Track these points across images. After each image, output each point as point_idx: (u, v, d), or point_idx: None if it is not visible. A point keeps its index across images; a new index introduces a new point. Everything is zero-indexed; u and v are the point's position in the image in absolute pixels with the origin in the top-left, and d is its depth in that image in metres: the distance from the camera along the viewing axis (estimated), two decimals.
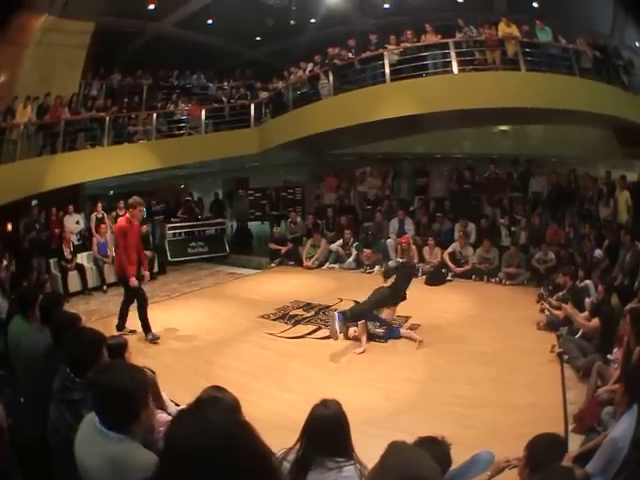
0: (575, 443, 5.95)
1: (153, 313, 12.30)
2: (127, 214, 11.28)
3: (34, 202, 15.25)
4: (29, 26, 16.45)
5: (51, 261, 15.00)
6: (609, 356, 7.67)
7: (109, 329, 6.78)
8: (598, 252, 13.14)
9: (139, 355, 7.80)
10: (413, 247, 15.79)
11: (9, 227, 15.01)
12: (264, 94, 20.52)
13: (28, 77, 17.24)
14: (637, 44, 16.10)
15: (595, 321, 8.72)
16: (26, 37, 16.45)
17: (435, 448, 3.88)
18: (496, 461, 4.57)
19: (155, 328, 10.91)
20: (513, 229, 15.93)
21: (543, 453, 4.26)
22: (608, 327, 8.18)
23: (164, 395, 4.88)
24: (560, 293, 11.46)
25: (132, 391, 3.03)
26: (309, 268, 17.08)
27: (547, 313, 10.94)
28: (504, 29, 15.45)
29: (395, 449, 2.31)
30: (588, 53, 15.20)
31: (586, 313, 9.43)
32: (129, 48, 21.34)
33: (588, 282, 11.36)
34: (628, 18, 15.66)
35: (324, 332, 10.75)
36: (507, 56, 15.28)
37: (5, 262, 12.31)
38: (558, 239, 14.78)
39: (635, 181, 15.06)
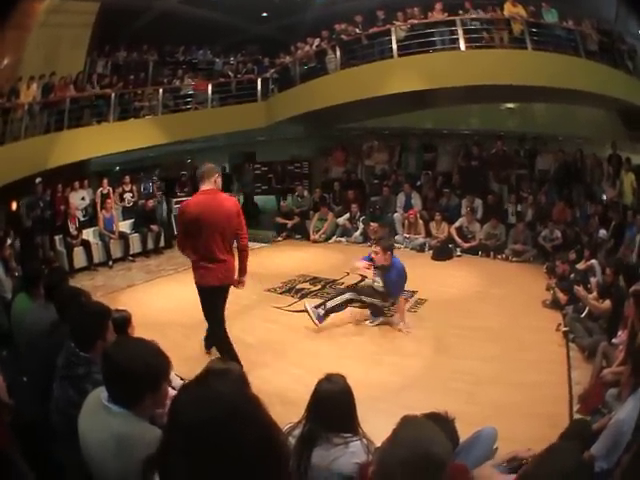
0: None
1: (160, 287, 12.34)
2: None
3: (38, 180, 15.26)
4: (33, 11, 16.39)
5: (56, 238, 15.05)
6: (614, 340, 7.65)
7: (115, 305, 6.79)
8: (603, 232, 13.13)
9: (145, 329, 7.82)
10: (420, 221, 15.90)
11: (14, 206, 15.04)
12: (272, 71, 20.49)
13: (33, 58, 17.11)
14: None
15: (607, 303, 8.70)
16: (30, 21, 16.41)
17: (443, 424, 3.89)
18: (514, 451, 4.57)
19: (162, 303, 10.91)
20: (519, 209, 15.94)
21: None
22: (619, 309, 8.17)
23: None
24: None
25: (138, 374, 2.99)
26: (316, 241, 17.14)
27: (552, 292, 10.91)
28: (510, 9, 15.43)
29: (408, 424, 2.32)
30: (593, 36, 15.18)
31: (594, 294, 9.43)
32: (134, 25, 21.17)
33: (594, 262, 11.33)
34: (629, 10, 15.60)
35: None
36: (513, 35, 15.25)
37: (9, 240, 12.30)
38: (564, 217, 14.77)
39: None
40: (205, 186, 7.63)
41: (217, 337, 8.08)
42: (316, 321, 9.54)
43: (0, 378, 4.97)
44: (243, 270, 8.08)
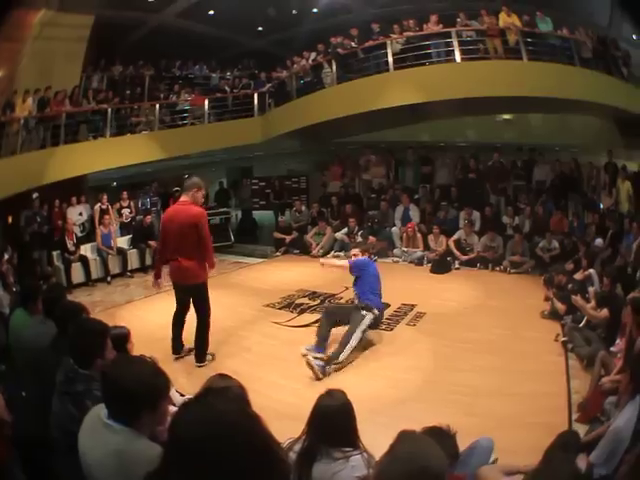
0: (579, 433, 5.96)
1: (158, 303, 12.32)
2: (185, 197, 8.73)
3: (35, 195, 15.28)
4: (26, 22, 16.37)
5: (54, 253, 15.01)
6: (612, 348, 7.67)
7: (113, 321, 6.73)
8: (598, 241, 13.17)
9: (144, 345, 7.80)
10: (418, 234, 15.93)
11: (9, 220, 15.04)
12: (268, 85, 20.52)
13: (28, 71, 17.20)
14: (634, 37, 16.08)
15: (605, 312, 8.72)
16: (23, 33, 16.40)
17: (442, 438, 3.89)
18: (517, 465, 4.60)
19: (160, 318, 10.89)
20: (516, 222, 15.89)
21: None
22: (616, 317, 8.18)
23: None
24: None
25: (136, 393, 2.99)
26: (315, 257, 17.11)
27: (550, 302, 10.91)
28: (505, 19, 15.48)
29: (405, 438, 2.32)
30: (588, 44, 15.22)
31: (593, 303, 9.43)
32: (130, 39, 21.28)
33: (591, 271, 11.36)
34: (623, 13, 15.66)
35: None
36: (508, 45, 15.29)
37: (7, 256, 12.28)
38: (562, 228, 14.81)
39: (636, 171, 15.01)
40: (183, 198, 8.74)
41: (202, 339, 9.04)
42: (319, 374, 8.39)
43: None
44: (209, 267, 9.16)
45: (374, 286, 9.78)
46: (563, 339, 9.22)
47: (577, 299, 9.60)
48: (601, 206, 15.53)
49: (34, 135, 16.61)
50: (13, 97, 16.57)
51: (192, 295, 9.07)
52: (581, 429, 6.12)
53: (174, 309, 9.36)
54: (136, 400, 3.00)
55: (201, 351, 9.05)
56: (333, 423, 3.84)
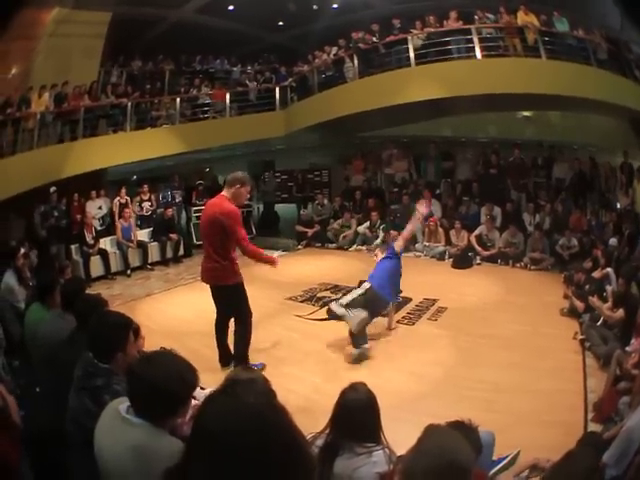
0: None
1: (179, 296, 12.34)
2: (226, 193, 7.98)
3: (53, 189, 15.35)
4: (39, 20, 16.43)
5: (72, 247, 15.11)
6: (627, 348, 7.63)
7: (132, 314, 6.66)
8: (613, 240, 13.12)
9: (164, 338, 7.78)
10: (440, 229, 15.99)
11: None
12: (290, 80, 20.59)
13: (44, 68, 17.37)
14: None
15: (620, 312, 8.69)
16: (36, 31, 16.46)
17: (467, 432, 3.89)
18: (536, 458, 4.59)
19: (181, 311, 10.90)
20: (537, 220, 15.81)
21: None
22: (632, 317, 8.15)
23: None
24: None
25: (175, 391, 2.99)
26: (340, 248, 17.47)
27: (569, 300, 10.89)
28: (523, 17, 15.49)
29: (432, 432, 2.33)
30: (603, 45, 15.19)
31: (609, 303, 9.40)
32: (149, 35, 21.32)
33: (609, 270, 11.29)
34: (632, 22, 15.63)
35: None
36: (527, 44, 15.28)
37: (23, 250, 12.26)
38: (581, 226, 14.77)
39: None
40: (224, 192, 7.95)
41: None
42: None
43: (11, 398, 4.94)
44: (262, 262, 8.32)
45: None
46: (581, 337, 9.21)
47: (594, 300, 9.62)
48: (618, 205, 15.49)
49: (51, 130, 16.71)
50: (28, 93, 16.67)
51: (224, 296, 8.14)
52: (596, 429, 6.11)
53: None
54: (175, 397, 3.00)
55: (237, 355, 8.09)
56: (358, 418, 3.82)
